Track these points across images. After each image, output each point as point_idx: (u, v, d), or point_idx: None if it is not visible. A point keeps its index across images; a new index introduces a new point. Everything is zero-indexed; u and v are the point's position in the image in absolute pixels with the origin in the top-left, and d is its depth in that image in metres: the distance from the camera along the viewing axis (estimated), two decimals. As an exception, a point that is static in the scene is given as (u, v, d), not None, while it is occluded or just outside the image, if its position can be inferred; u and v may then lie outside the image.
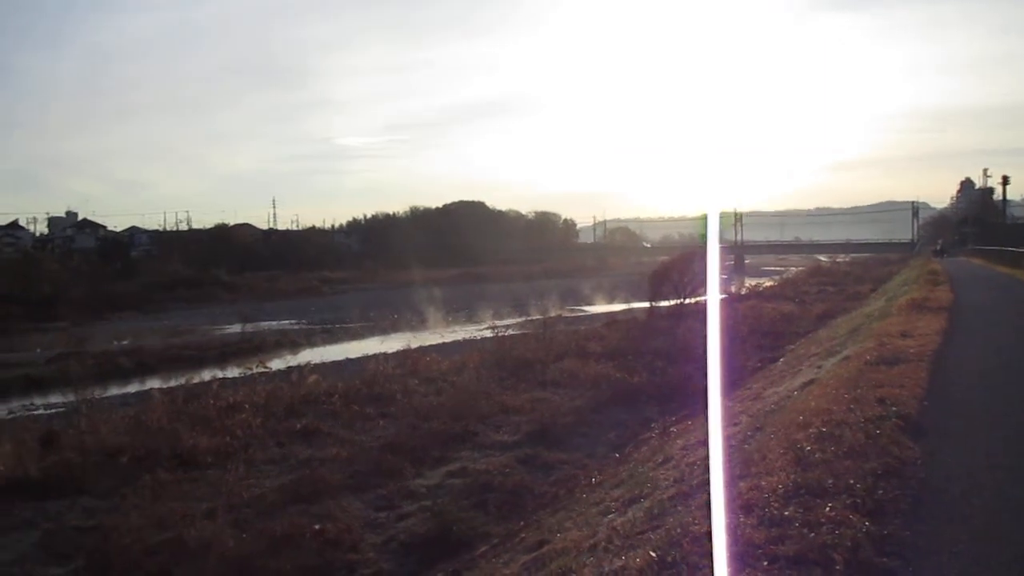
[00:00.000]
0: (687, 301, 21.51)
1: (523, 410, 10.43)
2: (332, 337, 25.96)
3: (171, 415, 9.96)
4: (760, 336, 15.70)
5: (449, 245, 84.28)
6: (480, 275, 65.09)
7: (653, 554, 3.38)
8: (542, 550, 4.74)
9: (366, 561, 5.83)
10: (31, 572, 5.82)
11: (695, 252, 22.27)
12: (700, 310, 21.34)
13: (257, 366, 11.72)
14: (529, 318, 27.89)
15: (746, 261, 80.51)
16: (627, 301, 37.45)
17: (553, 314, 28.48)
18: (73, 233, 70.87)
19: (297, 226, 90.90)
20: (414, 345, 18.34)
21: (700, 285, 21.55)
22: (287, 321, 32.31)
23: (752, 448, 5.03)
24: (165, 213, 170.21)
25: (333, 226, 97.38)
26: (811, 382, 7.34)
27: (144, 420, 9.63)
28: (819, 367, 8.56)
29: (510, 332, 18.94)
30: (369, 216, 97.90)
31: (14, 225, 70.66)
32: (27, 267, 40.08)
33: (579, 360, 13.98)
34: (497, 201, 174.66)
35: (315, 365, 14.64)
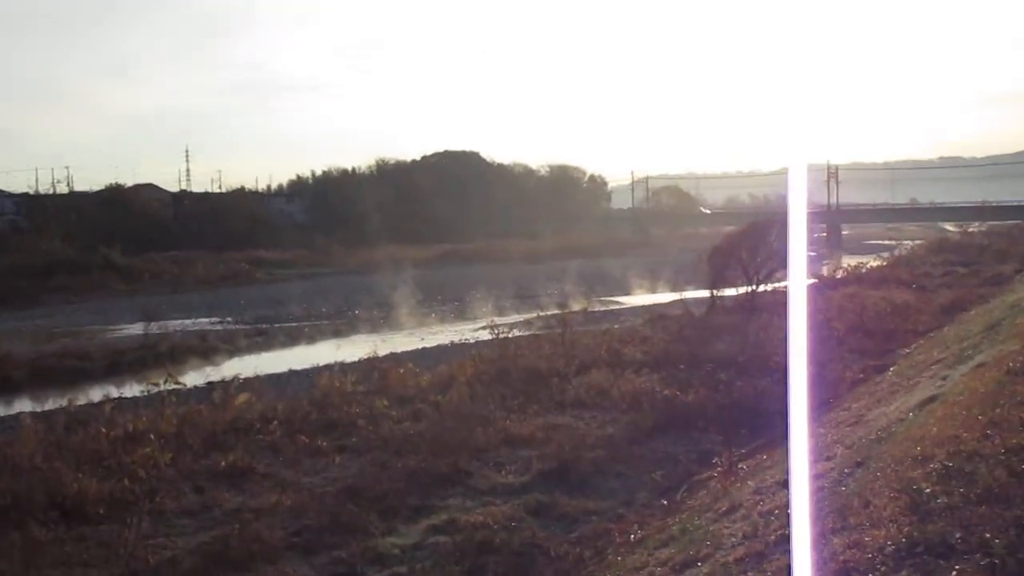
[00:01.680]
0: (760, 288, 21.58)
1: (534, 441, 10.54)
2: (270, 341, 26.22)
3: (48, 450, 9.87)
4: (862, 336, 15.72)
5: (431, 213, 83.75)
6: (474, 254, 65.10)
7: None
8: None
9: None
10: None
11: (772, 221, 22.29)
12: (779, 301, 21.41)
13: (166, 382, 11.69)
14: (543, 313, 28.16)
15: (843, 232, 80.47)
16: (678, 289, 37.18)
17: (576, 308, 28.74)
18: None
19: (219, 187, 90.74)
20: (383, 352, 18.54)
21: (779, 266, 21.59)
22: (207, 320, 32.57)
23: (851, 491, 5.04)
24: (37, 170, 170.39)
25: (269, 187, 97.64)
26: (932, 399, 7.34)
27: (10, 456, 9.53)
28: (944, 378, 8.56)
29: (516, 333, 19.05)
30: (319, 173, 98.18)
31: None
32: None
33: (612, 371, 14.13)
34: (497, 153, 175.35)
35: (247, 380, 14.74)
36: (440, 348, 22.99)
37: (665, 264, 50.75)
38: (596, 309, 30.34)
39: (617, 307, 33.18)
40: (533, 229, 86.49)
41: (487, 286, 40.74)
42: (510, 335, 16.73)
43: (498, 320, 22.44)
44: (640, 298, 36.97)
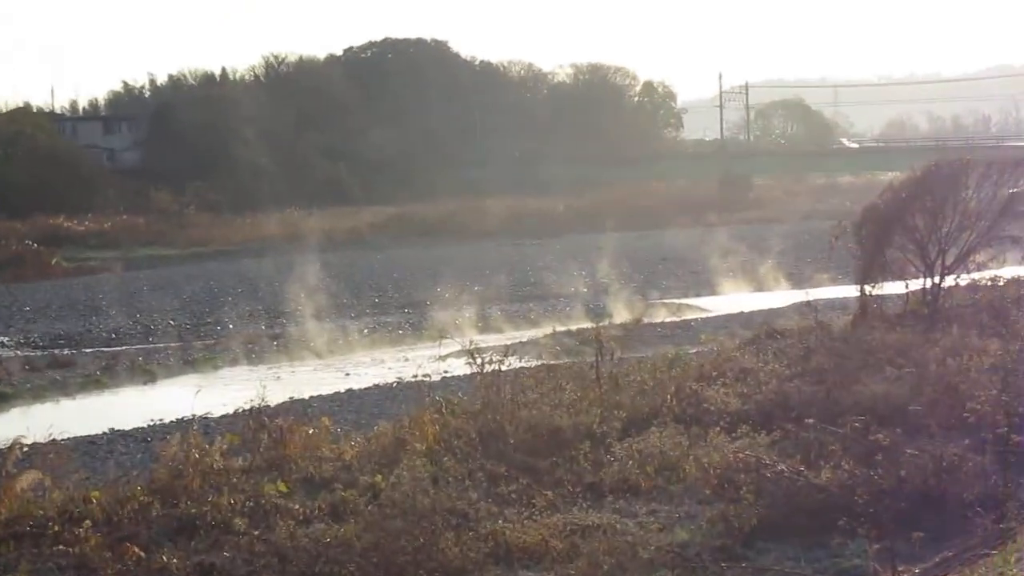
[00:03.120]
0: (948, 282, 21.52)
1: (548, 556, 10.59)
2: (76, 379, 26.18)
3: None
4: None
5: (363, 152, 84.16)
6: (440, 222, 65.98)
7: None
8: None
9: None
10: None
11: (968, 163, 22.25)
12: (981, 304, 21.30)
13: None
14: (561, 328, 28.38)
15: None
16: (802, 283, 37.00)
17: (622, 318, 28.79)
18: None
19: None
20: (278, 396, 18.62)
21: (981, 243, 21.52)
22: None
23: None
24: None
25: (74, 106, 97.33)
26: None
27: None
28: None
29: (515, 363, 18.94)
30: (161, 83, 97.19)
31: None
32: None
33: (685, 430, 14.24)
34: (482, 49, 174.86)
35: (36, 448, 14.66)
36: (379, 390, 23.18)
37: (778, 239, 50.15)
38: (656, 320, 30.45)
39: (694, 316, 33.36)
40: (543, 177, 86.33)
41: (462, 278, 40.88)
42: (504, 366, 16.65)
43: (482, 340, 22.39)
44: (734, 299, 37.11)
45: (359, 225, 64.46)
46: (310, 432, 14.50)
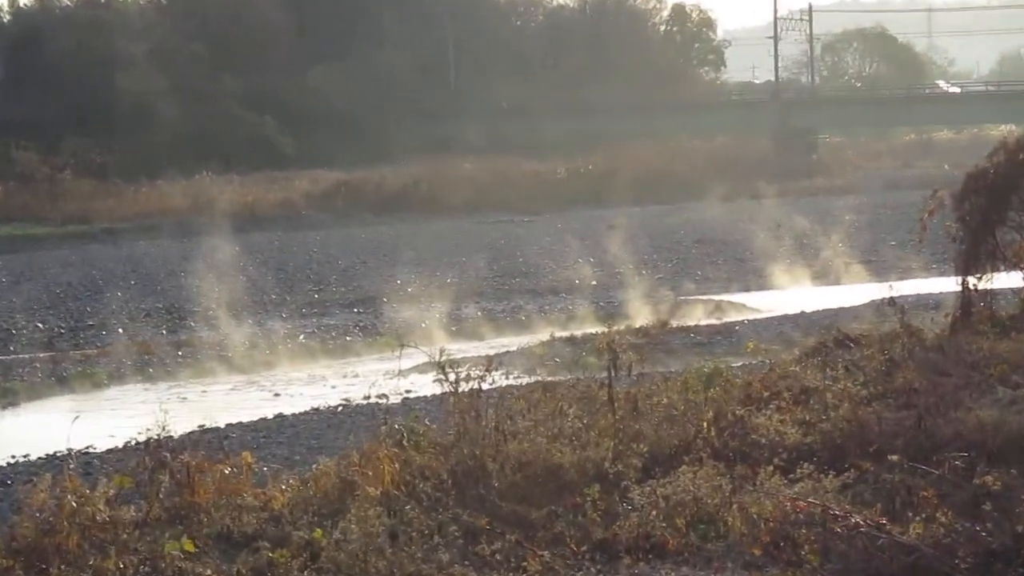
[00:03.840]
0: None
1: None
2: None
3: None
4: None
5: (300, 98, 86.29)
6: (405, 192, 67.22)
7: None
8: None
9: None
10: None
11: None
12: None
13: None
14: (561, 334, 28.19)
15: None
16: (877, 273, 37.81)
17: (643, 319, 29.15)
18: None
19: None
20: (183, 423, 18.57)
21: None
22: None
23: None
24: None
25: None
26: None
27: None
28: None
29: (500, 380, 18.89)
30: (26, 2, 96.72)
31: None
32: None
33: (727, 469, 14.19)
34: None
35: None
36: (319, 415, 23.20)
37: (852, 215, 49.99)
38: (689, 323, 30.62)
39: (739, 317, 33.59)
40: (539, 133, 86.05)
41: (431, 266, 41.32)
42: (486, 384, 16.59)
43: (457, 349, 22.35)
44: (792, 294, 37.54)
45: (293, 196, 64.41)
46: (227, 472, 14.41)
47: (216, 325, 32.50)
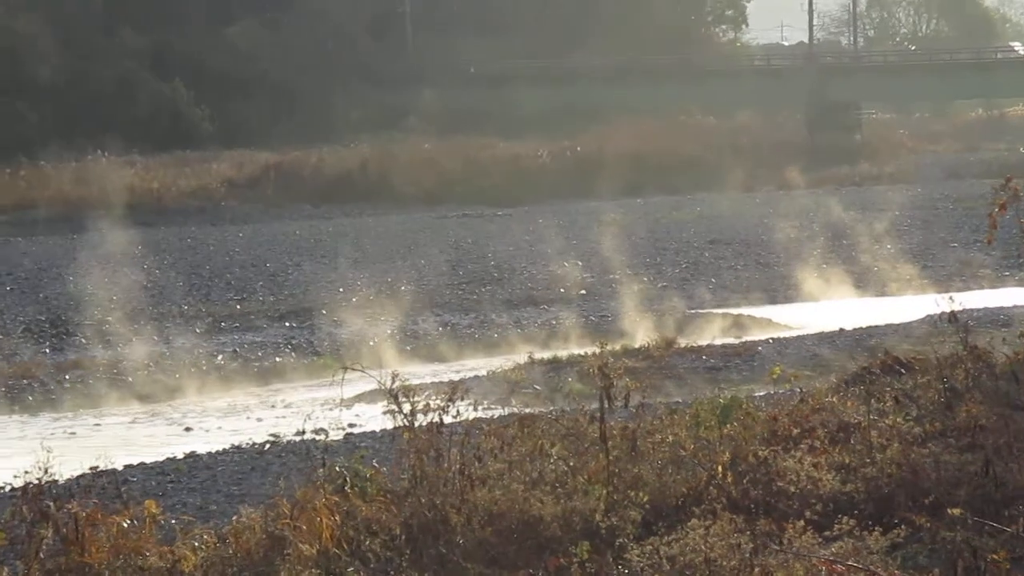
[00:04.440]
0: None
1: None
2: None
3: None
4: None
5: (220, 63, 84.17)
6: (349, 178, 67.65)
7: None
8: None
9: None
10: None
11: None
12: None
13: None
14: (545, 352, 28.65)
15: None
16: (935, 281, 38.03)
17: (641, 336, 29.19)
18: None
19: None
20: (73, 463, 18.36)
21: None
22: None
23: None
24: None
25: None
26: None
27: None
28: None
29: (465, 413, 18.86)
30: None
31: None
32: None
33: (745, 525, 14.06)
34: None
35: None
36: (240, 455, 23.16)
37: (904, 210, 49.99)
38: (701, 342, 30.76)
39: (763, 335, 33.85)
40: (516, 104, 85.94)
41: (381, 270, 41.53)
42: (448, 417, 16.63)
43: (413, 373, 22.34)
44: (828, 307, 37.79)
45: (210, 182, 64.29)
46: (125, 525, 14.30)
47: (112, 342, 32.41)
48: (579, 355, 25.36)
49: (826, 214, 48.64)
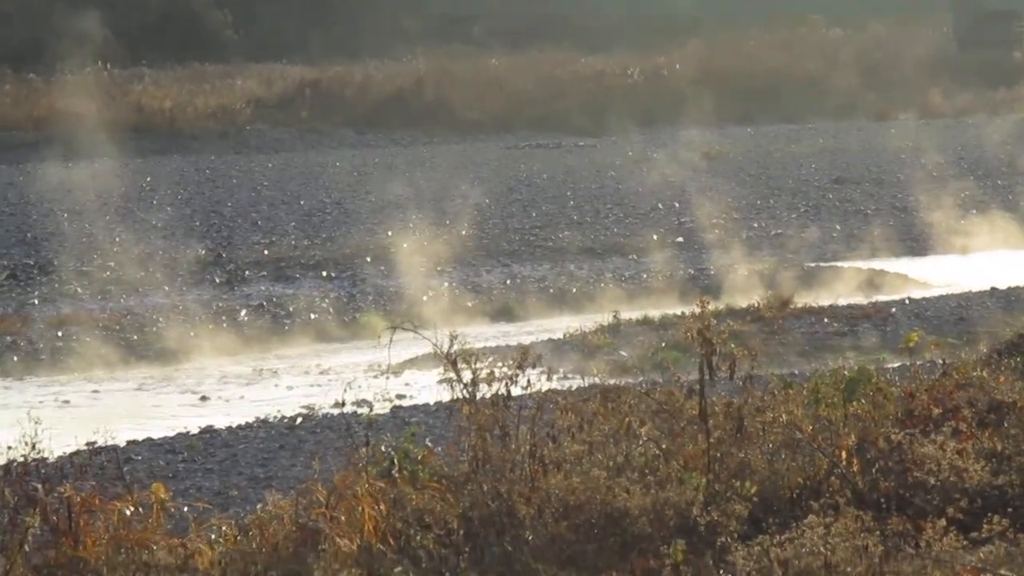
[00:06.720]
0: None
1: None
2: None
3: None
4: None
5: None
6: (400, 99, 67.35)
7: None
8: None
9: None
10: None
11: None
12: None
13: None
14: (633, 311, 28.99)
15: None
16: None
17: (748, 295, 29.45)
18: None
19: None
20: (67, 438, 18.38)
21: None
22: None
23: None
24: None
25: None
26: None
27: None
28: None
29: (533, 383, 18.86)
30: None
31: None
32: None
33: (870, 522, 14.02)
34: None
35: None
36: (267, 430, 23.21)
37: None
38: (821, 303, 31.03)
39: (897, 295, 33.72)
40: (596, 13, 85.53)
41: (437, 211, 41.94)
42: (516, 388, 16.60)
43: (474, 334, 22.38)
44: (979, 262, 38.24)
45: (234, 102, 64.30)
46: (128, 512, 14.36)
47: (114, 293, 32.51)
48: (674, 315, 25.34)
49: (977, 148, 48.38)
